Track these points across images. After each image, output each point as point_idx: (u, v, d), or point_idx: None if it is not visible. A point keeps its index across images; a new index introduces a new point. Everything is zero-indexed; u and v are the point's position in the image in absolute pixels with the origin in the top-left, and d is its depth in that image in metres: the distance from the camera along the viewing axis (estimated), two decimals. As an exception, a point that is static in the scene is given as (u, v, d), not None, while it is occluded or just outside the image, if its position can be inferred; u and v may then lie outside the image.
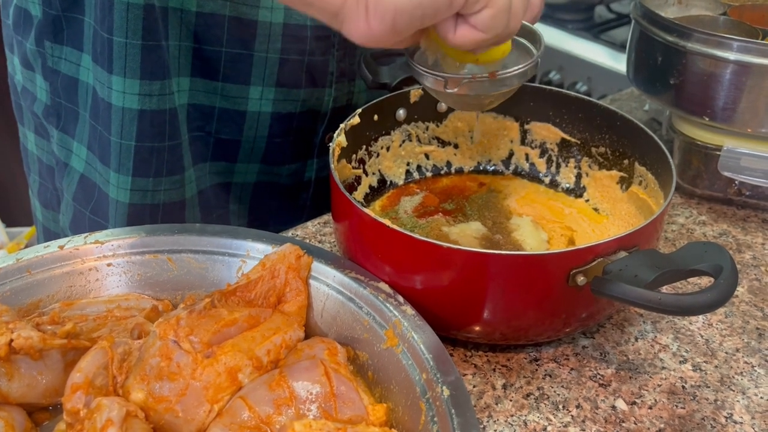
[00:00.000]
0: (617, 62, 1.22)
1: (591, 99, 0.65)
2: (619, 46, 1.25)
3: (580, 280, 0.46)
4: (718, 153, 0.64)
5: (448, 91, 0.50)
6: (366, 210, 0.50)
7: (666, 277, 0.43)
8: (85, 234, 0.53)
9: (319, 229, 0.65)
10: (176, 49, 0.61)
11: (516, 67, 0.51)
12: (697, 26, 0.65)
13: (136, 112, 0.61)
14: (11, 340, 0.43)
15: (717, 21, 0.69)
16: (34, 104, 0.70)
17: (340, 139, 0.58)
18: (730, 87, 0.61)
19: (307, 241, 0.63)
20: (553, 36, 1.32)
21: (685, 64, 0.62)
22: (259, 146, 0.69)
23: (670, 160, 0.55)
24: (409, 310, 0.47)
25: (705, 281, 0.56)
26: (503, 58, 0.51)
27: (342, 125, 0.59)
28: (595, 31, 1.32)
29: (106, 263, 0.53)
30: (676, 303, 0.40)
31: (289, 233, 0.64)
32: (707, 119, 0.63)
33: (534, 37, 0.55)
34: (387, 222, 0.48)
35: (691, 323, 0.55)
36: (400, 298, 0.48)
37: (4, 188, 1.83)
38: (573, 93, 0.65)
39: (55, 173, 0.72)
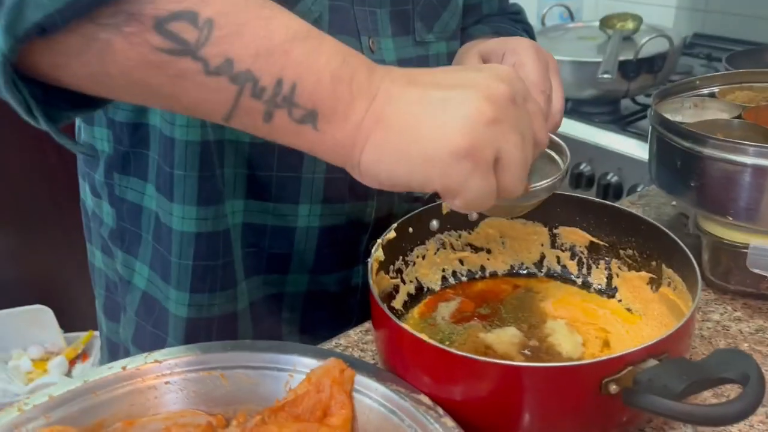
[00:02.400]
0: (645, 152, 1.25)
1: (615, 204, 0.68)
2: (646, 137, 1.28)
3: (613, 388, 0.47)
4: (745, 251, 0.66)
5: None
6: (403, 325, 0.53)
7: (695, 386, 0.44)
8: (145, 354, 0.57)
9: (362, 338, 0.68)
10: (231, 175, 0.67)
11: (545, 181, 0.55)
12: (712, 131, 0.68)
13: (194, 235, 0.67)
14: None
15: (732, 124, 0.72)
16: (101, 227, 0.77)
17: (377, 254, 0.62)
18: (750, 189, 0.63)
19: (350, 350, 0.66)
20: (581, 130, 1.36)
21: (704, 168, 0.65)
22: (308, 258, 0.73)
23: (695, 264, 0.57)
24: (449, 421, 0.49)
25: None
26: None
27: (379, 240, 0.63)
28: (622, 123, 1.37)
29: (164, 381, 0.56)
30: (705, 415, 0.42)
31: (333, 342, 0.68)
32: (731, 219, 0.65)
33: (560, 149, 0.59)
34: (424, 337, 0.51)
35: (732, 425, 0.55)
36: (440, 410, 0.50)
37: (62, 296, 1.92)
38: (597, 199, 0.68)
39: (118, 290, 0.78)
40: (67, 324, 1.90)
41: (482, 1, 0.84)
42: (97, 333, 1.81)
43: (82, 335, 1.88)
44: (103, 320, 0.82)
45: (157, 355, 0.58)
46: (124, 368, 0.56)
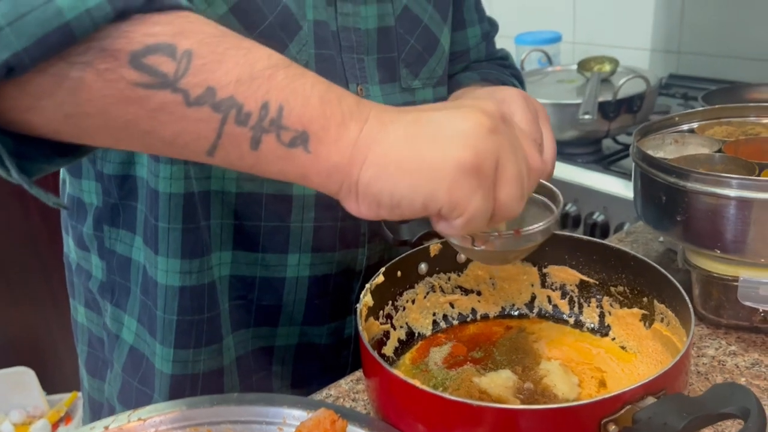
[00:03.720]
0: (630, 191, 1.26)
1: (603, 241, 0.68)
2: (629, 176, 1.30)
3: (612, 429, 0.46)
4: (736, 284, 0.65)
5: (476, 248, 0.53)
6: (395, 371, 0.51)
7: (696, 423, 0.43)
8: (129, 412, 0.55)
9: (353, 387, 0.66)
10: (218, 226, 0.66)
11: (539, 224, 0.55)
12: (694, 165, 0.69)
13: (177, 289, 0.66)
14: None
15: (713, 158, 0.72)
16: (89, 281, 0.75)
17: (366, 300, 0.61)
18: (736, 221, 0.63)
19: (341, 400, 0.64)
20: (565, 170, 1.37)
21: (689, 202, 0.66)
22: (298, 309, 0.72)
23: (686, 299, 0.56)
24: (445, 471, 0.48)
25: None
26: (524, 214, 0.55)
27: (367, 285, 0.62)
28: (604, 162, 1.38)
29: (149, 440, 0.54)
30: (708, 452, 0.40)
31: (323, 393, 0.66)
32: (719, 252, 0.65)
33: (553, 195, 0.59)
34: (416, 383, 0.50)
35: (735, 463, 0.54)
36: (436, 459, 0.49)
37: (46, 356, 1.87)
38: (585, 237, 0.68)
39: (105, 345, 0.76)
40: (51, 385, 1.85)
41: (470, 48, 0.86)
42: (80, 394, 1.76)
43: (66, 397, 1.83)
44: (86, 377, 0.80)
45: (141, 412, 0.56)
46: (106, 428, 0.54)
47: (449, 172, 0.42)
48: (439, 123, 0.44)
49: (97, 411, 0.78)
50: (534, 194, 0.58)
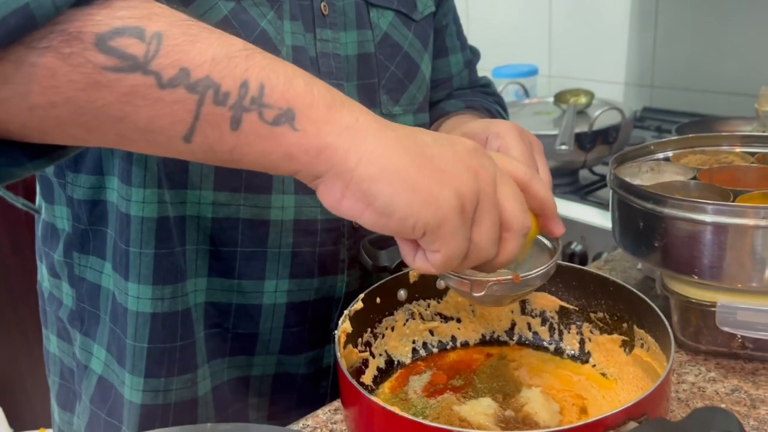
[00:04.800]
0: (607, 220, 1.27)
1: (582, 267, 0.67)
2: (606, 206, 1.31)
3: (595, 455, 0.45)
4: (714, 309, 0.65)
5: (475, 294, 0.52)
6: (374, 397, 0.50)
7: (678, 447, 0.43)
8: (98, 443, 0.53)
9: (330, 417, 0.65)
10: (193, 252, 0.65)
11: (539, 269, 0.54)
12: (670, 192, 0.70)
13: (149, 316, 0.64)
14: None
15: (689, 185, 0.73)
16: (60, 309, 0.73)
17: (344, 326, 0.60)
18: (712, 247, 0.64)
19: (318, 430, 0.62)
20: (542, 201, 1.38)
21: (666, 228, 0.66)
22: (275, 337, 0.70)
23: (666, 324, 0.56)
24: (426, 501, 0.46)
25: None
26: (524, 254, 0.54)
27: (346, 312, 0.61)
28: (582, 193, 1.39)
29: (117, 473, 0.52)
30: (692, 476, 0.40)
31: (300, 424, 0.64)
32: (696, 278, 0.66)
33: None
34: (396, 409, 0.49)
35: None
36: (415, 489, 0.47)
37: (13, 393, 1.82)
38: (564, 263, 0.68)
39: (75, 376, 0.73)
40: (19, 421, 1.79)
41: (452, 75, 0.86)
42: (48, 431, 1.71)
43: (34, 434, 1.77)
44: (56, 410, 0.77)
45: (111, 444, 0.54)
46: (73, 460, 0.52)
47: (448, 208, 0.42)
48: (434, 151, 0.44)
49: (66, 445, 0.75)
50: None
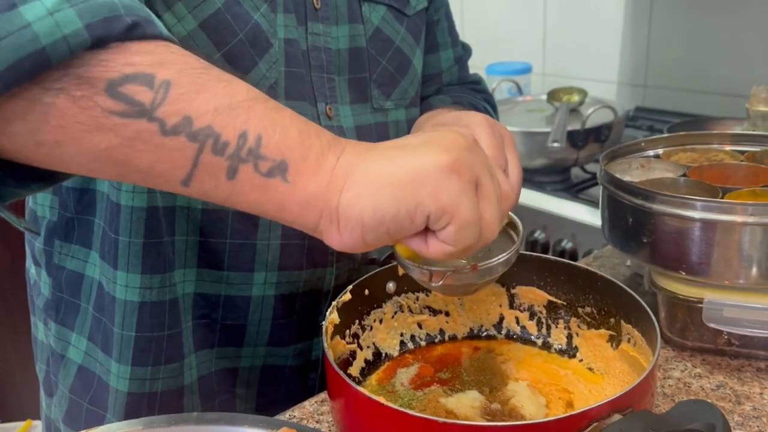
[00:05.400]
0: (597, 218, 1.27)
1: (571, 262, 0.68)
2: (597, 204, 1.31)
3: (579, 447, 0.46)
4: (701, 305, 0.66)
5: (434, 284, 0.53)
6: (360, 388, 0.50)
7: (662, 439, 0.43)
8: (82, 431, 0.53)
9: (317, 408, 0.65)
10: (183, 243, 0.65)
11: (498, 257, 0.53)
12: (660, 189, 0.70)
13: (137, 304, 0.64)
14: None
15: (678, 182, 0.74)
16: (38, 297, 0.73)
17: (332, 317, 0.60)
18: (700, 243, 0.64)
19: (305, 422, 0.62)
20: (534, 198, 1.38)
21: (654, 224, 0.66)
22: (264, 329, 0.70)
23: (653, 318, 0.56)
24: (410, 491, 0.46)
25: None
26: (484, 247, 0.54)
27: (334, 303, 0.61)
28: (573, 190, 1.40)
29: (101, 460, 0.52)
30: (675, 467, 0.40)
31: (287, 415, 0.64)
32: (684, 274, 0.66)
33: (513, 224, 0.58)
34: (382, 400, 0.49)
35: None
36: (400, 479, 0.47)
37: (2, 384, 1.81)
38: (553, 257, 0.68)
39: (50, 364, 0.73)
40: (5, 413, 1.78)
41: (442, 71, 0.86)
42: (35, 423, 1.70)
43: (20, 425, 1.75)
44: (44, 398, 0.77)
45: None
46: (56, 447, 0.51)
47: (431, 175, 0.42)
48: (416, 142, 0.45)
49: (51, 432, 0.75)
50: None
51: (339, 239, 0.44)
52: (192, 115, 0.39)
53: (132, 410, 0.65)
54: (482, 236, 0.45)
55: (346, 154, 0.44)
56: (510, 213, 0.58)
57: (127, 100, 0.38)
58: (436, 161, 0.42)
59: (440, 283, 0.52)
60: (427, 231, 0.45)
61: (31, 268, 0.75)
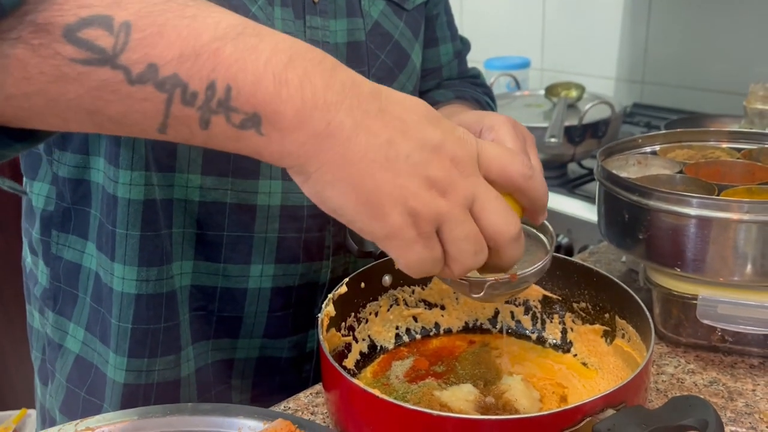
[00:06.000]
0: (593, 214, 1.27)
1: (566, 257, 0.68)
2: (593, 199, 1.31)
3: (572, 441, 0.46)
4: (695, 302, 0.66)
5: (473, 295, 0.52)
6: (355, 380, 0.50)
7: (655, 434, 0.43)
8: (76, 421, 0.53)
9: (312, 400, 0.65)
10: (180, 235, 0.65)
11: (535, 266, 0.53)
12: (656, 185, 0.70)
13: (133, 296, 0.64)
14: None
15: (675, 179, 0.74)
16: (35, 287, 0.73)
17: (328, 309, 0.60)
18: (695, 240, 0.64)
19: (300, 413, 0.63)
20: (530, 193, 1.39)
21: (650, 220, 0.66)
22: (260, 321, 0.70)
23: (647, 314, 0.57)
24: (404, 483, 0.47)
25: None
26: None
27: (330, 295, 0.62)
28: (569, 186, 1.40)
29: (96, 450, 0.52)
30: (667, 462, 0.40)
31: (281, 406, 0.64)
32: (679, 270, 0.66)
33: (544, 228, 0.58)
34: (376, 392, 0.49)
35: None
36: (394, 471, 0.48)
37: (-5, 371, 1.80)
38: (549, 252, 0.68)
39: (46, 353, 0.73)
40: (1, 402, 1.78)
41: (442, 65, 0.86)
42: (30, 411, 1.70)
43: (14, 414, 1.76)
44: (39, 386, 0.77)
45: (90, 421, 0.53)
46: (51, 437, 0.51)
47: (397, 226, 0.41)
48: (406, 164, 0.42)
49: (47, 420, 0.75)
50: (524, 226, 0.56)
51: (300, 185, 0.43)
52: (157, 62, 0.37)
53: (128, 401, 0.65)
54: (449, 267, 0.45)
55: (339, 121, 0.40)
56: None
57: (87, 45, 0.36)
58: (401, 218, 0.41)
59: (481, 294, 0.52)
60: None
61: (27, 258, 0.75)
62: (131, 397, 0.66)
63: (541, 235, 0.59)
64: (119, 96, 0.38)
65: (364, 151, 0.41)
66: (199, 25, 0.38)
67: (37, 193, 0.69)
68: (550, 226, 0.58)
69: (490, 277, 0.51)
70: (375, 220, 0.41)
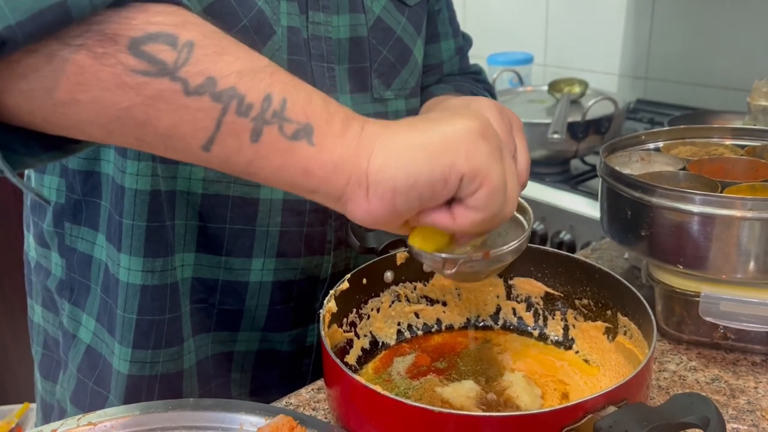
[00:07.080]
0: (596, 210, 1.27)
1: (569, 254, 0.68)
2: (596, 196, 1.31)
3: (573, 438, 0.46)
4: (697, 299, 0.66)
5: (447, 272, 0.52)
6: (356, 376, 0.50)
7: (656, 431, 0.43)
8: (78, 416, 0.53)
9: (313, 396, 0.65)
10: (182, 227, 0.65)
11: (510, 244, 0.53)
12: (659, 182, 0.70)
13: (139, 288, 0.64)
14: None
15: (678, 176, 0.74)
16: (48, 279, 0.73)
17: (330, 305, 0.60)
18: (698, 237, 0.64)
19: (301, 409, 0.63)
20: (533, 189, 1.38)
21: (653, 217, 0.66)
22: (260, 315, 0.70)
23: (649, 311, 0.56)
24: (405, 479, 0.47)
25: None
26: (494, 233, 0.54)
27: (332, 291, 0.61)
28: (572, 182, 1.40)
29: (98, 445, 0.52)
30: (668, 460, 0.40)
31: (283, 402, 0.64)
32: (681, 267, 0.66)
33: (522, 209, 0.58)
34: (378, 388, 0.49)
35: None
36: (395, 467, 0.48)
37: (-2, 366, 1.81)
38: (551, 249, 0.68)
39: (60, 345, 0.73)
40: (3, 396, 1.78)
41: (443, 61, 0.86)
42: (32, 405, 1.70)
43: (17, 408, 1.76)
44: (39, 380, 0.77)
45: (92, 416, 0.53)
46: (54, 431, 0.52)
47: (464, 138, 0.43)
48: (438, 116, 0.46)
49: (48, 414, 0.75)
50: None
51: (366, 207, 0.43)
52: (216, 75, 0.39)
53: (132, 392, 0.66)
54: (505, 208, 0.45)
55: (370, 124, 0.44)
56: (520, 199, 0.58)
57: (150, 58, 0.38)
58: (467, 126, 0.43)
59: (453, 270, 0.52)
60: (450, 205, 0.45)
61: (31, 251, 0.75)
62: (134, 389, 0.66)
63: (520, 216, 0.59)
64: (173, 106, 0.39)
65: (399, 125, 0.45)
66: (255, 54, 0.42)
67: (47, 187, 0.69)
68: (528, 207, 0.58)
69: (463, 255, 0.51)
70: (447, 149, 0.43)
